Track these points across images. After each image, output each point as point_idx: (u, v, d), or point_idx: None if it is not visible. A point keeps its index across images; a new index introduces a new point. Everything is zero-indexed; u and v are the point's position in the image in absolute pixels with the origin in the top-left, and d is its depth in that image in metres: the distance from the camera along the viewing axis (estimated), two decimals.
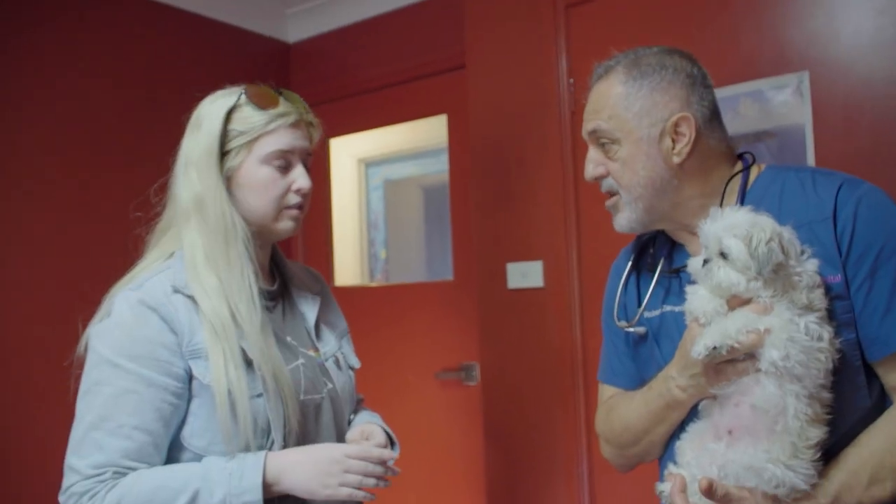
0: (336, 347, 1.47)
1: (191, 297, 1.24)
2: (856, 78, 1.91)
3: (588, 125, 1.32)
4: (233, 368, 1.21)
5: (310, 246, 3.32)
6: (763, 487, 1.06)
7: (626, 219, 1.30)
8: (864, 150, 1.89)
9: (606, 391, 1.47)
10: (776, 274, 1.07)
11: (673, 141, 1.25)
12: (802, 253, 1.10)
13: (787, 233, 1.09)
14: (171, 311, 1.23)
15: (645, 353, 1.37)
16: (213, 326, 1.22)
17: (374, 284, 3.38)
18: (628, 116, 1.26)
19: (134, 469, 1.18)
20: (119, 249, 1.51)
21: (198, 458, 1.23)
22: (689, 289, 1.16)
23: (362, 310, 3.13)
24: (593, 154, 1.33)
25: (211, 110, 1.31)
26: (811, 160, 1.95)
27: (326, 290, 1.55)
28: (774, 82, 2.01)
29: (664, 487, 1.17)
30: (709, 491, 1.05)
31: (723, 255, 1.09)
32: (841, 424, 1.11)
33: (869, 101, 1.89)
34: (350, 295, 3.20)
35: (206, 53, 3.00)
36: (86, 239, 2.57)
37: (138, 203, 1.44)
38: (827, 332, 1.07)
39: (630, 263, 1.42)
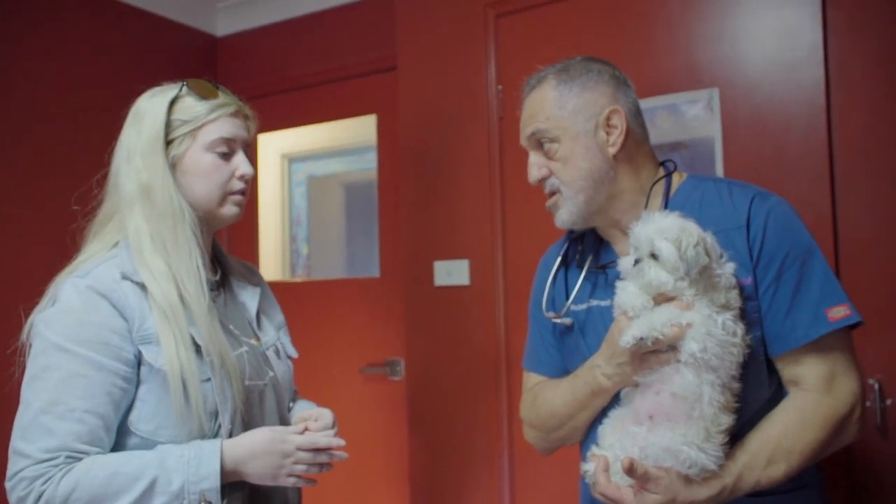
0: (275, 338, 1.51)
1: (139, 284, 1.26)
2: (760, 96, 2.07)
3: (527, 130, 1.41)
4: (183, 351, 1.24)
5: (235, 240, 3.29)
6: (678, 468, 1.17)
7: (567, 213, 1.39)
8: (766, 162, 2.05)
9: (531, 379, 1.56)
10: (701, 275, 1.17)
11: (606, 133, 1.36)
12: (721, 257, 1.21)
13: (710, 238, 1.20)
14: (121, 297, 1.24)
15: (570, 344, 1.46)
16: (162, 310, 1.25)
17: (296, 280, 3.39)
18: (564, 115, 1.36)
19: (86, 453, 1.19)
20: (58, 240, 1.51)
21: (144, 441, 1.24)
22: (618, 285, 1.25)
23: (286, 304, 3.07)
24: (534, 158, 1.41)
25: (152, 103, 1.35)
26: (719, 170, 2.10)
27: (263, 283, 1.59)
28: (688, 97, 2.15)
29: (588, 468, 1.25)
30: (630, 469, 1.14)
31: (653, 256, 1.19)
32: (745, 412, 1.23)
33: (771, 117, 2.06)
34: (274, 289, 3.17)
35: (130, 43, 2.92)
36: (25, 229, 2.50)
37: (78, 195, 1.43)
38: (740, 328, 1.18)
39: (559, 258, 1.51)
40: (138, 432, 1.25)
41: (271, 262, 3.38)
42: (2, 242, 2.46)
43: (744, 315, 1.23)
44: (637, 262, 1.21)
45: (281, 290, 3.20)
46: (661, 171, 1.42)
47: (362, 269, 3.34)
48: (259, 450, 1.26)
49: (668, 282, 1.18)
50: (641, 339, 1.15)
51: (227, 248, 3.27)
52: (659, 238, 1.18)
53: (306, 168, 3.54)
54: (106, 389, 1.21)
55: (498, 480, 2.43)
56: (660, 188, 1.39)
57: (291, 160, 3.53)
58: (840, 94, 1.98)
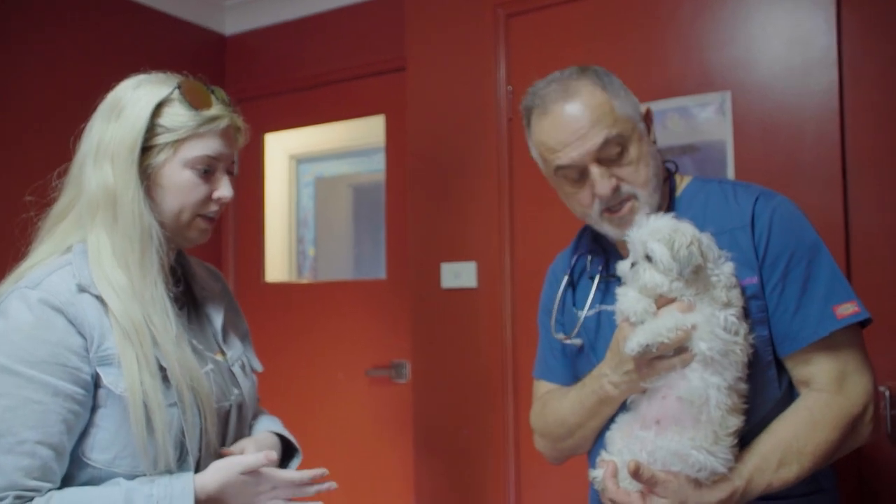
0: (241, 351, 1.39)
1: (98, 298, 1.13)
2: (772, 100, 2.05)
3: (595, 140, 1.27)
4: (148, 377, 1.11)
5: (241, 241, 3.29)
6: (687, 471, 1.15)
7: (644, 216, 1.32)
8: (778, 165, 2.03)
9: (542, 387, 1.54)
10: (696, 275, 1.16)
11: (647, 129, 1.35)
12: (720, 257, 1.20)
13: (706, 238, 1.19)
14: (79, 311, 1.11)
15: (580, 352, 1.44)
16: (124, 330, 1.12)
17: (303, 281, 3.38)
18: (626, 115, 1.30)
19: (38, 490, 1.05)
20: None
21: (99, 473, 1.12)
22: (619, 291, 1.24)
23: (292, 306, 3.12)
24: (598, 170, 1.28)
25: (136, 98, 1.20)
26: (731, 173, 2.08)
27: (227, 289, 1.48)
28: (699, 100, 2.13)
29: (597, 473, 1.24)
30: (636, 473, 1.13)
31: (648, 259, 1.18)
32: (755, 413, 1.22)
33: (783, 121, 2.04)
34: (280, 291, 3.19)
35: (136, 41, 2.92)
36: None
37: (36, 187, 1.30)
38: (742, 328, 1.17)
39: (569, 268, 1.49)
40: (93, 463, 1.11)
41: (278, 263, 3.38)
42: None
43: (747, 314, 1.22)
44: (633, 265, 1.21)
45: (287, 292, 3.21)
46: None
47: (369, 270, 3.34)
48: (232, 489, 1.15)
49: (662, 283, 1.17)
50: (647, 346, 1.14)
51: (233, 249, 3.27)
52: (652, 240, 1.18)
53: (314, 169, 3.54)
54: (61, 416, 1.07)
55: (504, 485, 2.41)
56: (665, 187, 1.38)
57: (299, 161, 3.53)
58: (853, 97, 1.96)
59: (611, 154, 1.28)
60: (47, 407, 1.06)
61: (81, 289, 1.13)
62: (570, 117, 1.28)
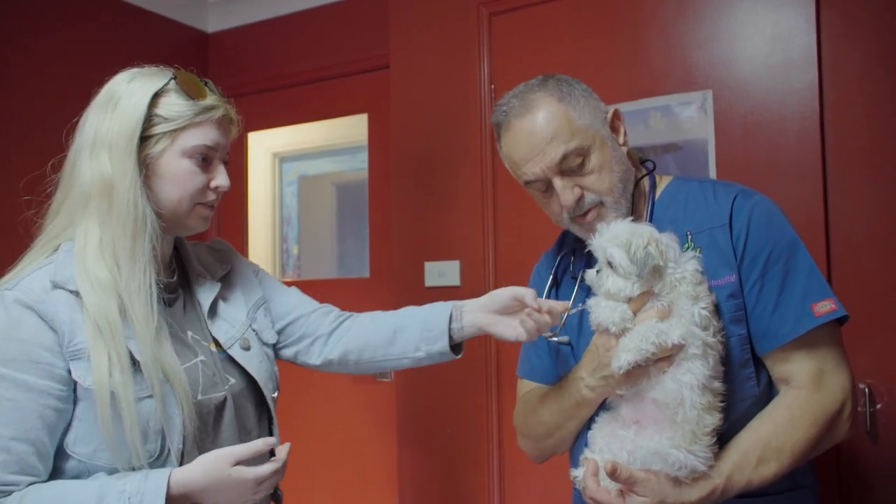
0: (245, 326, 1.36)
1: (74, 293, 1.14)
2: (753, 98, 2.07)
3: (553, 154, 1.29)
4: (118, 372, 1.11)
5: (224, 239, 3.26)
6: (667, 470, 1.16)
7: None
8: (759, 163, 2.04)
9: (524, 386, 1.54)
10: (656, 276, 1.17)
11: (615, 132, 1.35)
12: (684, 255, 1.21)
13: (666, 238, 1.20)
14: (50, 308, 1.12)
15: (563, 351, 1.44)
16: (96, 325, 1.12)
17: (287, 280, 3.36)
18: (585, 125, 1.30)
19: (15, 484, 1.07)
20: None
21: (82, 465, 1.13)
22: (590, 302, 1.25)
23: None
24: (561, 182, 1.31)
25: (132, 90, 1.20)
26: (712, 171, 2.10)
27: (236, 262, 1.46)
28: (681, 99, 2.14)
29: (578, 472, 1.25)
30: (613, 473, 1.14)
31: (610, 264, 1.19)
32: (733, 411, 1.23)
33: (764, 119, 2.05)
34: None
35: (119, 38, 2.90)
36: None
37: (28, 181, 1.30)
38: (713, 323, 1.18)
39: (553, 268, 1.49)
40: (75, 455, 1.13)
41: (261, 262, 3.36)
42: None
43: (718, 311, 1.23)
44: (598, 272, 1.22)
45: None
46: (643, 170, 1.42)
47: (353, 269, 3.33)
48: (212, 485, 1.11)
49: (625, 287, 1.18)
50: (635, 363, 1.15)
51: None
52: (611, 245, 1.19)
53: (297, 167, 3.53)
54: (37, 412, 1.08)
55: (487, 482, 2.41)
56: (645, 185, 1.39)
57: (283, 159, 3.52)
58: (833, 96, 1.98)
59: (572, 165, 1.29)
60: (21, 404, 1.08)
61: (56, 285, 1.14)
62: (530, 133, 1.30)
